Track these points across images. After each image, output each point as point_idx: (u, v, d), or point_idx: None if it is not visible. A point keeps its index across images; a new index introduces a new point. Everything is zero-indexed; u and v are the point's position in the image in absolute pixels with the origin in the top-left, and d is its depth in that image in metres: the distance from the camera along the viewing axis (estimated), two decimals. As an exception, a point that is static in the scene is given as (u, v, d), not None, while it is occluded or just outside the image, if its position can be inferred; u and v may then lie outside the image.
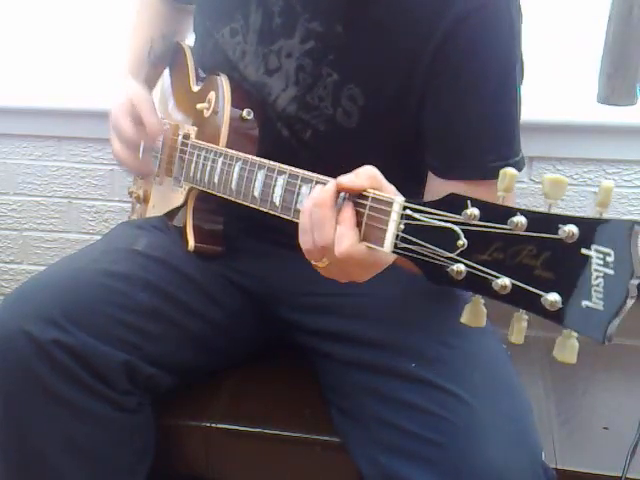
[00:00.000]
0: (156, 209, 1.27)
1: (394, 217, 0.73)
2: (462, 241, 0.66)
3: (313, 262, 0.84)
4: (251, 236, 1.18)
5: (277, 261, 1.16)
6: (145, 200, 1.33)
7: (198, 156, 1.10)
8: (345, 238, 0.78)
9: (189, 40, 1.32)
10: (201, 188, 1.10)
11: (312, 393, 1.16)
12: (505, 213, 0.63)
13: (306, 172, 0.88)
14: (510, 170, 0.65)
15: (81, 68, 1.87)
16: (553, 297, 0.60)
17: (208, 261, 1.16)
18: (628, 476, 1.04)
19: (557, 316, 0.60)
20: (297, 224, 0.85)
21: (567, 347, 0.62)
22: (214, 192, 1.06)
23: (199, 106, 1.14)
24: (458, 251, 0.66)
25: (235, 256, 1.18)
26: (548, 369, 1.27)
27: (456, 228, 0.66)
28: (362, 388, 1.05)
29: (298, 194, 0.88)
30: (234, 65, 1.12)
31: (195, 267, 1.15)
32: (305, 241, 0.82)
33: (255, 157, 0.97)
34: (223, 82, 1.10)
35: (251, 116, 1.08)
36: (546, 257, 0.61)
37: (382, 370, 1.04)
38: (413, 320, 1.07)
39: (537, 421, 1.02)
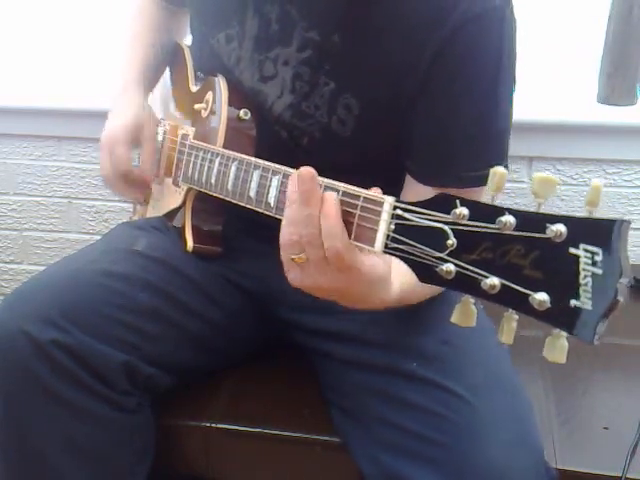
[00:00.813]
0: (156, 210, 1.28)
1: (385, 217, 0.73)
2: (451, 241, 0.65)
3: (291, 256, 0.82)
4: (250, 236, 1.18)
5: (276, 261, 1.14)
6: (146, 201, 1.33)
7: (196, 156, 1.10)
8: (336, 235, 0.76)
9: (187, 40, 1.32)
10: (199, 189, 1.10)
11: (312, 393, 1.16)
12: (494, 212, 0.62)
13: None
14: (500, 169, 0.64)
15: (81, 68, 1.88)
16: (541, 297, 0.59)
17: (207, 261, 1.16)
18: (628, 476, 1.04)
19: (545, 316, 0.60)
20: None
21: (557, 347, 0.61)
22: (211, 193, 1.06)
23: (197, 106, 1.14)
24: (447, 251, 0.66)
25: (234, 256, 1.18)
26: (548, 369, 1.26)
27: (446, 228, 0.66)
28: (363, 388, 1.05)
29: None
30: (229, 71, 1.12)
31: (194, 267, 1.15)
32: (290, 232, 0.80)
33: (251, 157, 0.97)
34: (220, 83, 1.10)
35: (248, 116, 1.08)
36: (535, 256, 0.60)
37: (383, 369, 1.04)
38: (414, 319, 1.07)
39: (537, 421, 1.02)
